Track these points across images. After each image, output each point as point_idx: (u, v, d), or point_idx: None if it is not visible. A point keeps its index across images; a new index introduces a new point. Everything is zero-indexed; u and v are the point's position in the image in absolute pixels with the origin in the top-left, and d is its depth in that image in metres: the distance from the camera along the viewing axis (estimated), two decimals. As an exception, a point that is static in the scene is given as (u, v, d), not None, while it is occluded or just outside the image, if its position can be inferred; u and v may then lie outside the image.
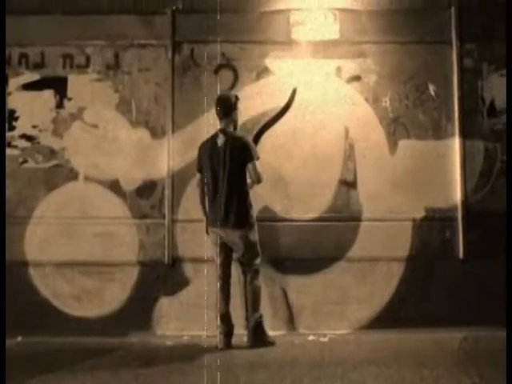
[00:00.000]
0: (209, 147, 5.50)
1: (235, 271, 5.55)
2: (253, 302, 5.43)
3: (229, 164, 5.34)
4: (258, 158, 5.41)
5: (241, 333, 5.47)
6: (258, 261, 5.47)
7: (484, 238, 5.96)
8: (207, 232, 5.52)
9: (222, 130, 5.48)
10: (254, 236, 5.45)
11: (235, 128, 5.59)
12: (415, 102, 6.19)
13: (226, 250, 5.48)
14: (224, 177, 5.34)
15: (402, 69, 6.22)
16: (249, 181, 5.44)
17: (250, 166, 5.36)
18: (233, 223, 5.32)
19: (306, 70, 6.25)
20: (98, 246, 6.08)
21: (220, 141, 5.44)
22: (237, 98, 5.61)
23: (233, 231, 5.34)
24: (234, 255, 5.50)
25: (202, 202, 5.58)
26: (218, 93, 5.90)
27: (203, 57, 6.28)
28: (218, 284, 5.49)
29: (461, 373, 4.49)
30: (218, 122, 5.58)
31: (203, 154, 5.52)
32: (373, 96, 6.21)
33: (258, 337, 5.41)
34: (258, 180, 5.41)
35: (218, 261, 5.49)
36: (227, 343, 5.39)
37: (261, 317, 5.45)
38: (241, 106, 6.00)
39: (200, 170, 5.56)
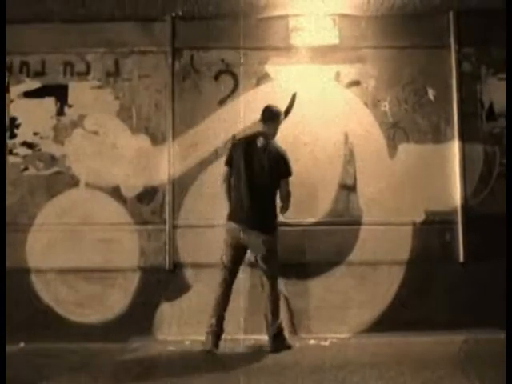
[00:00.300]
0: (246, 145, 5.51)
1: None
2: (274, 310, 5.43)
3: (267, 167, 5.38)
4: (291, 175, 5.47)
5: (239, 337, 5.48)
6: (278, 267, 5.49)
7: (484, 240, 5.96)
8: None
9: (263, 133, 5.54)
10: (277, 243, 5.46)
11: (274, 137, 5.60)
12: (414, 106, 6.20)
13: (239, 252, 5.47)
14: (260, 177, 5.38)
15: (401, 73, 6.23)
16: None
17: (284, 180, 5.44)
18: (259, 226, 5.33)
19: (306, 76, 6.26)
20: (100, 252, 6.08)
21: (260, 142, 5.48)
22: (281, 113, 5.69)
23: (257, 234, 5.33)
24: (248, 259, 5.54)
25: (229, 196, 5.56)
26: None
27: (203, 63, 6.29)
28: (222, 285, 5.49)
29: (461, 375, 4.50)
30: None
31: (238, 150, 5.52)
32: (372, 100, 6.22)
33: (279, 342, 5.44)
34: (287, 198, 5.48)
35: (227, 261, 5.49)
36: (215, 343, 5.38)
37: (281, 323, 5.48)
38: (241, 111, 6.08)
39: (229, 165, 5.57)
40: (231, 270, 5.49)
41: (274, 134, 5.59)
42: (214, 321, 5.42)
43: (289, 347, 5.48)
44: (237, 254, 5.47)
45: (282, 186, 5.46)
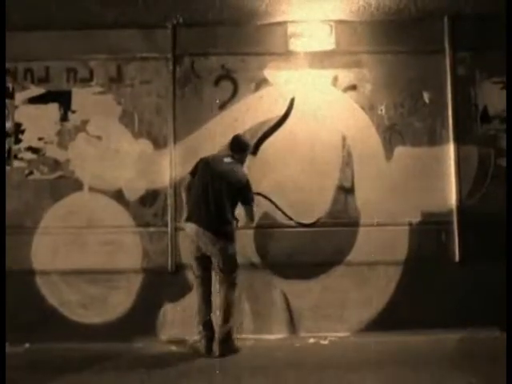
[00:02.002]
0: (213, 160, 5.58)
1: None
2: (225, 315, 5.40)
3: (226, 183, 5.39)
4: (252, 203, 5.55)
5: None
6: (235, 274, 5.47)
7: (479, 241, 5.97)
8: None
9: (232, 156, 5.59)
10: (233, 250, 5.45)
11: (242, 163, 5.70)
12: (410, 109, 6.21)
13: (204, 260, 5.49)
14: (220, 191, 5.37)
15: (397, 78, 6.24)
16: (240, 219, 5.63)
17: (246, 207, 5.51)
18: (215, 231, 5.33)
19: (304, 80, 6.27)
20: (103, 254, 6.08)
21: (227, 160, 5.54)
22: (249, 144, 5.77)
23: (214, 242, 5.34)
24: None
25: (188, 202, 5.61)
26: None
27: (203, 69, 6.30)
28: (199, 294, 5.51)
29: (458, 373, 4.50)
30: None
31: (205, 163, 5.55)
32: (369, 104, 6.23)
33: (227, 347, 5.38)
34: (251, 221, 5.61)
35: (197, 270, 5.54)
36: (209, 349, 5.36)
37: (231, 329, 5.45)
38: (241, 116, 6.09)
39: (193, 175, 5.60)
40: (203, 278, 5.52)
41: (242, 162, 5.67)
42: (200, 328, 5.44)
43: (236, 351, 5.44)
44: (203, 263, 5.49)
45: (245, 211, 5.55)
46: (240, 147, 5.65)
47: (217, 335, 5.39)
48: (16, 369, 4.97)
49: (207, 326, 5.43)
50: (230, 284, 5.44)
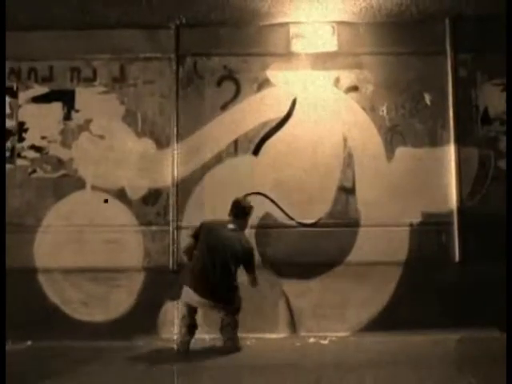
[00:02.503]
0: (217, 227, 5.50)
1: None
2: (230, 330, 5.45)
3: (231, 252, 5.33)
4: (254, 272, 5.48)
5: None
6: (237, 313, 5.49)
7: (479, 241, 5.97)
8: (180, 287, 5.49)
9: (234, 222, 5.49)
10: (239, 300, 5.47)
11: (243, 229, 5.58)
12: (411, 110, 6.21)
13: (190, 330, 5.46)
14: (224, 258, 5.32)
15: (399, 79, 6.24)
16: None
17: (250, 275, 5.45)
18: (215, 303, 5.31)
19: (306, 81, 6.27)
20: (105, 252, 6.09)
21: (230, 226, 5.45)
22: (252, 208, 5.59)
23: (212, 307, 5.36)
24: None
25: (191, 267, 5.52)
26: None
27: (206, 69, 6.32)
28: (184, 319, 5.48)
29: (457, 373, 4.50)
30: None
31: (207, 231, 5.49)
32: (370, 105, 6.23)
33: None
34: (255, 286, 5.50)
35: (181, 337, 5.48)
36: (186, 350, 5.39)
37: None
38: (243, 116, 6.09)
39: (195, 238, 5.55)
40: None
41: (244, 227, 5.58)
42: (185, 330, 5.44)
43: (239, 349, 5.46)
44: (189, 332, 5.45)
45: (248, 278, 5.48)
46: (241, 212, 5.52)
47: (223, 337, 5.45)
48: (18, 366, 4.99)
49: (191, 330, 5.44)
50: (233, 323, 5.46)
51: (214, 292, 5.27)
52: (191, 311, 5.41)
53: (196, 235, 5.55)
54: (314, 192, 6.03)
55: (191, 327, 5.42)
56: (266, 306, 5.81)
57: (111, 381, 4.59)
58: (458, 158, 6.10)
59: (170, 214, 6.13)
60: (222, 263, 5.29)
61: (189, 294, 5.35)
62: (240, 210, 5.52)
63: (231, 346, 5.40)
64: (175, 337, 5.67)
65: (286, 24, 6.27)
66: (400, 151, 6.17)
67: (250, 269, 5.42)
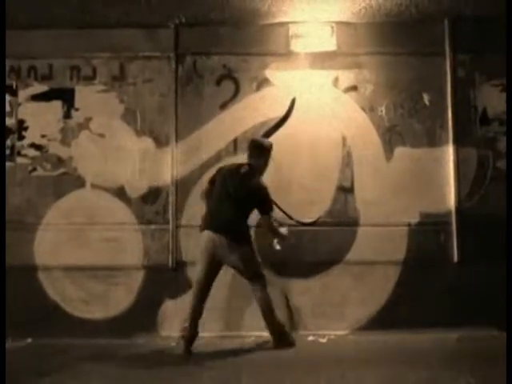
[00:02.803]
0: (231, 170, 5.50)
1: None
2: (270, 314, 5.41)
3: (244, 193, 5.33)
4: (270, 212, 5.44)
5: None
6: (261, 276, 5.42)
7: (477, 241, 5.98)
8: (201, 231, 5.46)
9: (250, 165, 5.49)
10: (253, 253, 5.41)
11: (262, 172, 5.53)
12: (410, 111, 6.22)
13: (214, 268, 5.38)
14: (237, 199, 5.33)
15: (397, 79, 6.25)
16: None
17: (264, 217, 5.43)
18: (234, 237, 5.29)
19: (305, 81, 6.27)
20: (105, 251, 6.10)
21: (245, 169, 5.44)
22: (271, 146, 5.57)
23: (233, 248, 5.28)
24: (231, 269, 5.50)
25: (206, 211, 5.57)
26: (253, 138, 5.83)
27: (205, 68, 6.31)
28: (195, 298, 5.40)
29: (456, 372, 4.50)
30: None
31: (222, 173, 5.52)
32: (369, 105, 6.23)
33: (283, 339, 5.47)
34: (272, 232, 5.47)
35: (202, 277, 5.38)
36: (187, 349, 5.30)
37: (281, 322, 5.49)
38: (242, 115, 6.10)
39: (212, 183, 5.58)
40: (205, 284, 5.38)
41: (262, 167, 5.51)
42: (187, 325, 5.35)
43: (293, 343, 5.49)
44: (210, 269, 5.36)
45: (263, 221, 5.48)
46: (257, 151, 5.52)
47: (271, 332, 5.45)
48: (18, 363, 4.99)
49: (193, 326, 5.37)
50: (260, 287, 5.41)
51: (228, 230, 5.27)
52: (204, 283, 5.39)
53: (213, 180, 5.59)
54: (313, 191, 6.04)
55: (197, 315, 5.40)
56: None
57: (111, 378, 4.57)
58: (457, 159, 6.11)
59: (170, 213, 6.12)
60: (236, 203, 5.32)
61: (204, 236, 5.36)
62: (256, 149, 5.53)
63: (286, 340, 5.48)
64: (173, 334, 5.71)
65: (286, 24, 6.26)
66: (399, 151, 6.18)
67: (264, 209, 5.40)
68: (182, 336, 5.35)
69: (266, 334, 5.50)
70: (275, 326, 5.43)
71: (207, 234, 5.35)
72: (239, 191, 5.34)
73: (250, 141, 5.65)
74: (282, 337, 5.47)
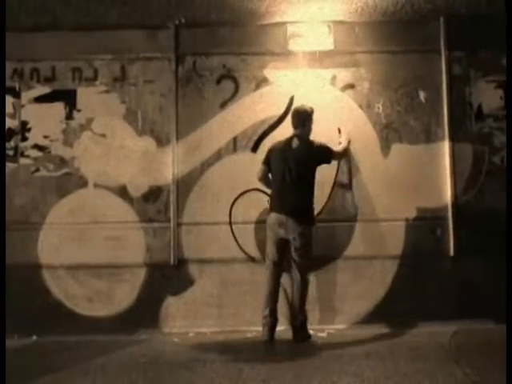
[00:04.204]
0: (282, 147, 5.63)
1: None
2: (300, 300, 5.52)
3: (302, 164, 5.50)
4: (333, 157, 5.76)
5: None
6: (309, 258, 5.55)
7: (473, 236, 5.97)
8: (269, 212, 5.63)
9: (297, 136, 5.64)
10: (311, 238, 5.53)
11: (308, 136, 5.69)
12: (406, 108, 6.21)
13: (281, 245, 5.54)
14: (296, 174, 5.47)
15: (394, 77, 6.24)
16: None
17: (336, 160, 5.90)
18: (297, 217, 5.42)
19: (303, 80, 6.27)
20: (108, 249, 6.10)
21: (295, 144, 5.59)
22: (312, 110, 5.73)
23: (295, 227, 5.41)
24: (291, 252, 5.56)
25: (270, 194, 5.75)
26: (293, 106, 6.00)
27: (205, 68, 6.31)
28: (271, 279, 5.57)
29: (452, 364, 4.51)
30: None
31: (275, 152, 5.66)
32: (366, 103, 6.23)
33: (303, 333, 5.54)
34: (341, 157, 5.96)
35: (271, 255, 5.58)
36: (271, 336, 5.47)
37: (306, 315, 5.57)
38: (241, 114, 6.10)
39: (266, 164, 5.70)
40: (276, 263, 5.56)
41: (308, 133, 5.69)
42: (267, 312, 5.49)
43: (309, 337, 5.56)
44: (279, 248, 5.54)
45: (339, 159, 5.93)
46: (300, 119, 5.69)
47: (294, 322, 5.54)
48: (23, 360, 5.01)
49: (273, 312, 5.51)
50: (305, 271, 5.53)
51: (292, 210, 5.42)
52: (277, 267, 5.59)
53: (267, 161, 5.71)
54: (312, 188, 6.04)
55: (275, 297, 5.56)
56: (263, 304, 5.78)
57: (115, 374, 4.58)
58: (453, 154, 6.10)
59: (171, 211, 6.12)
60: (297, 174, 5.48)
61: (272, 217, 5.54)
62: (298, 118, 5.69)
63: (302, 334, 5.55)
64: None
65: (284, 24, 6.26)
66: (396, 147, 6.17)
67: (330, 156, 5.69)
68: (265, 324, 5.49)
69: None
70: (301, 317, 5.52)
71: (274, 215, 5.52)
72: (299, 158, 5.51)
73: (293, 110, 5.79)
74: (302, 329, 5.53)
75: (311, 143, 5.62)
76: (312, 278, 5.78)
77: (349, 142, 6.01)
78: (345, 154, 5.97)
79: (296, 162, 5.50)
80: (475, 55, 6.23)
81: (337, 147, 5.86)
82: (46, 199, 6.18)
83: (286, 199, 5.47)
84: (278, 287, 5.61)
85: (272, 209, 5.59)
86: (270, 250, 5.59)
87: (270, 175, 5.73)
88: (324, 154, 5.65)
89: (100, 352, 5.26)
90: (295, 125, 5.70)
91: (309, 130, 5.70)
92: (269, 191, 5.81)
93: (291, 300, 5.59)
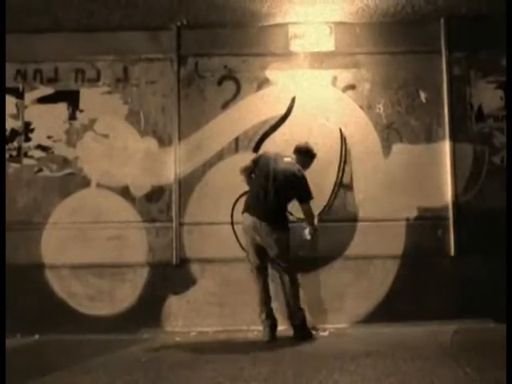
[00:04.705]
0: (275, 157, 5.65)
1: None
2: (294, 301, 5.55)
3: (283, 179, 5.49)
4: (309, 199, 5.58)
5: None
6: (290, 262, 5.57)
7: (473, 235, 5.97)
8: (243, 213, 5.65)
9: (291, 162, 5.66)
10: (289, 242, 5.55)
11: (301, 167, 5.68)
12: (407, 108, 6.20)
13: (259, 249, 5.56)
14: (274, 191, 5.48)
15: (394, 77, 6.24)
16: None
17: (303, 205, 5.60)
18: (271, 222, 5.44)
19: (304, 80, 6.27)
20: (110, 248, 6.10)
21: (287, 159, 5.64)
22: (314, 155, 5.80)
23: (270, 233, 5.42)
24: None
25: (248, 195, 5.77)
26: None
27: (207, 69, 6.31)
28: (258, 282, 5.62)
29: (453, 363, 4.50)
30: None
31: (265, 160, 5.65)
32: (367, 103, 6.23)
33: (303, 332, 5.56)
34: (308, 218, 5.65)
35: (252, 258, 5.61)
36: (272, 336, 5.50)
37: (304, 314, 5.59)
38: (243, 114, 6.11)
39: (254, 164, 5.70)
40: (259, 267, 5.61)
41: (302, 166, 5.69)
42: (264, 317, 5.54)
43: (311, 336, 5.59)
44: (258, 252, 5.57)
45: (301, 208, 5.63)
46: (304, 151, 5.74)
47: (293, 322, 5.57)
48: (26, 359, 5.01)
49: (270, 315, 5.55)
50: (289, 272, 5.55)
51: (267, 214, 5.45)
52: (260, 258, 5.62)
53: (255, 161, 5.71)
54: (313, 187, 5.93)
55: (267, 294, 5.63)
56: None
57: (117, 372, 4.58)
58: (453, 154, 6.10)
59: (173, 211, 6.13)
60: (276, 189, 5.47)
61: (246, 219, 5.57)
62: (303, 150, 5.74)
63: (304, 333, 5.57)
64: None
65: (285, 25, 6.27)
66: (396, 147, 6.17)
67: (302, 197, 5.57)
68: (265, 326, 5.53)
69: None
70: (298, 316, 5.55)
71: (247, 217, 5.55)
72: (281, 176, 5.50)
73: (301, 145, 5.78)
74: (303, 328, 5.55)
75: (298, 177, 5.55)
76: (300, 278, 5.74)
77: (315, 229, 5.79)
78: (313, 227, 5.71)
79: (277, 183, 5.49)
80: (475, 56, 6.22)
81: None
82: (49, 199, 6.18)
83: (261, 204, 5.48)
84: (268, 289, 5.64)
85: (246, 209, 5.61)
86: (251, 255, 5.62)
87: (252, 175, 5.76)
88: (300, 194, 5.58)
89: (102, 351, 5.27)
90: (295, 154, 5.74)
91: (304, 165, 5.71)
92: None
93: (285, 301, 5.60)
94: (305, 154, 5.73)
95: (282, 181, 5.48)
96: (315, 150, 5.80)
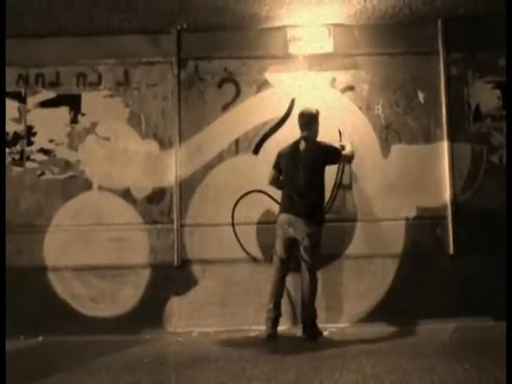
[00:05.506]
0: (290, 150, 5.67)
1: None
2: (309, 298, 5.53)
3: (310, 166, 5.52)
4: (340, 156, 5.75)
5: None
6: (316, 259, 5.57)
7: (472, 234, 5.96)
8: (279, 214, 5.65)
9: (304, 138, 5.66)
10: (320, 238, 5.56)
11: (315, 137, 5.70)
12: (405, 109, 6.21)
13: (289, 243, 5.56)
14: (305, 176, 5.50)
15: (393, 78, 6.25)
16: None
17: (341, 161, 5.86)
18: (306, 217, 5.44)
19: (303, 82, 6.28)
20: (112, 250, 6.11)
21: (302, 146, 5.62)
22: (317, 112, 5.74)
23: (304, 227, 5.44)
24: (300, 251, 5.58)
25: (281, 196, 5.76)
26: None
27: (207, 72, 6.32)
28: (277, 274, 5.60)
29: (452, 361, 4.49)
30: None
31: (284, 155, 5.69)
32: (366, 104, 6.24)
33: (313, 330, 5.54)
34: (349, 160, 5.92)
35: (280, 252, 5.60)
36: (274, 330, 5.48)
37: (316, 312, 5.58)
38: (243, 116, 6.10)
39: (276, 169, 5.73)
40: (283, 260, 5.59)
41: (314, 135, 5.69)
42: (271, 306, 5.52)
43: (320, 334, 5.58)
44: (287, 246, 5.57)
45: (341, 162, 5.92)
46: (305, 121, 5.70)
47: (304, 319, 5.56)
48: (30, 361, 5.01)
49: (277, 306, 5.54)
50: (312, 269, 5.53)
51: (302, 212, 5.45)
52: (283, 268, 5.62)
53: (277, 166, 5.74)
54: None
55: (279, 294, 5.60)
56: (267, 299, 5.77)
57: (120, 373, 4.57)
58: (452, 154, 6.10)
59: (174, 213, 6.13)
60: (306, 176, 5.51)
61: (282, 218, 5.57)
62: (304, 121, 5.71)
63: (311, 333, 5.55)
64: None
65: (284, 27, 6.28)
66: (395, 148, 6.17)
67: (334, 157, 5.72)
68: (268, 317, 5.51)
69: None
70: (310, 314, 5.54)
71: (284, 215, 5.56)
72: (308, 165, 5.52)
73: (299, 113, 5.77)
74: (313, 327, 5.54)
75: (318, 144, 5.63)
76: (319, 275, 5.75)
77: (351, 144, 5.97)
78: (351, 157, 5.89)
79: (304, 164, 5.52)
80: (473, 56, 6.23)
81: (344, 150, 5.84)
82: (51, 202, 6.19)
83: (296, 201, 5.49)
84: (284, 284, 5.65)
85: (282, 210, 5.62)
86: (279, 247, 5.61)
87: (281, 178, 5.76)
88: (331, 155, 5.67)
89: (105, 352, 5.26)
90: (301, 127, 5.71)
91: (315, 132, 5.70)
92: (275, 194, 5.90)
93: (301, 298, 5.60)
94: (311, 120, 5.69)
95: (308, 159, 5.52)
96: (316, 110, 5.74)
